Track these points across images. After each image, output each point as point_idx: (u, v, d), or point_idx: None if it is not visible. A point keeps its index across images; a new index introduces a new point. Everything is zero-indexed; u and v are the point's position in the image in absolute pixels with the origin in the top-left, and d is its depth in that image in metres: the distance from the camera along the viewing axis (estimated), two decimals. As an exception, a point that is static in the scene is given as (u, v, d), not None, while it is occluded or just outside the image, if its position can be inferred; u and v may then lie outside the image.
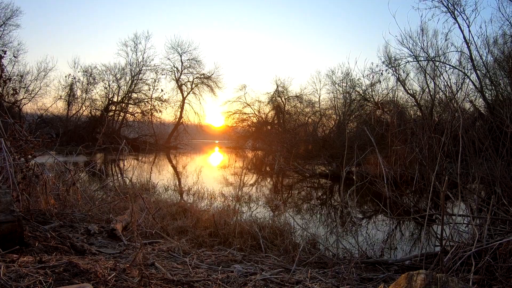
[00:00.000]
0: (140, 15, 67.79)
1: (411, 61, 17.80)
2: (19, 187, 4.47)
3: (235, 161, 25.77)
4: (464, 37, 14.85)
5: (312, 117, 29.96)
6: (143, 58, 34.40)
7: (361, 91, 22.45)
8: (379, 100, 20.95)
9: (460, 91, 16.42)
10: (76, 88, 32.59)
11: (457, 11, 14.69)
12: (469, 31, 15.13)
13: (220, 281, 2.95)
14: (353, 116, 23.30)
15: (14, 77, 27.16)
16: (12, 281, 2.24)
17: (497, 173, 4.96)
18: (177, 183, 13.08)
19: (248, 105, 36.79)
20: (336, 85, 26.58)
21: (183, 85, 36.34)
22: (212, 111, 66.40)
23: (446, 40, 16.22)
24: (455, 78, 16.51)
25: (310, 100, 32.71)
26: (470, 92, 16.38)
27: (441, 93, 16.48)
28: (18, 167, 4.83)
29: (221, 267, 3.50)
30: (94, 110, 33.03)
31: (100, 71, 33.27)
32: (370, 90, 21.60)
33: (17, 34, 48.44)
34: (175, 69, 35.86)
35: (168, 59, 36.08)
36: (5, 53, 6.23)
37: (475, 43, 14.81)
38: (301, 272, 3.55)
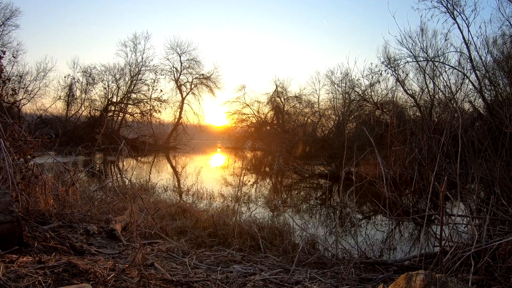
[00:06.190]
0: (139, 16, 67.94)
1: (410, 61, 17.82)
2: (18, 187, 4.47)
3: (235, 161, 25.77)
4: (464, 38, 14.87)
5: (311, 118, 30.00)
6: (142, 58, 34.41)
7: (360, 92, 22.45)
8: (379, 100, 20.94)
9: (459, 91, 16.46)
10: (75, 89, 32.57)
11: (457, 11, 14.71)
12: (469, 31, 15.19)
13: (219, 281, 2.95)
14: (352, 116, 23.31)
15: (14, 77, 27.12)
16: (12, 282, 2.24)
17: (496, 174, 4.97)
18: (176, 183, 13.08)
19: (248, 105, 36.79)
20: (336, 86, 26.65)
21: (182, 86, 36.33)
22: (211, 112, 66.52)
23: (445, 40, 16.25)
24: (455, 79, 16.55)
25: (309, 100, 32.76)
26: (470, 92, 16.44)
27: (440, 94, 16.52)
28: (17, 167, 4.82)
29: (220, 268, 3.50)
30: (93, 111, 33.01)
31: (99, 71, 33.26)
32: (370, 90, 21.60)
33: (16, 34, 48.63)
34: (174, 69, 35.86)
35: (167, 59, 36.09)
36: (4, 54, 6.21)
37: (474, 43, 14.82)
38: (300, 273, 3.55)
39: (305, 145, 21.64)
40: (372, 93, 21.73)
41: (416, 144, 6.61)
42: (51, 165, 6.69)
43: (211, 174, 18.15)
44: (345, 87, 24.92)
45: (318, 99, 31.50)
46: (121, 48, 37.94)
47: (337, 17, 77.59)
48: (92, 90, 33.26)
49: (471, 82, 15.48)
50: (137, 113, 34.61)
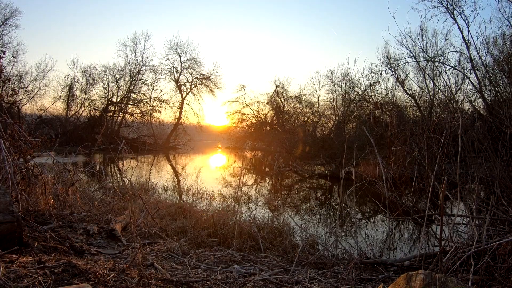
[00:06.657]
0: (139, 16, 67.96)
1: (410, 61, 17.77)
2: (18, 187, 4.47)
3: (235, 162, 25.77)
4: (463, 38, 14.84)
5: (311, 118, 29.95)
6: (142, 58, 34.39)
7: (360, 92, 22.42)
8: (378, 100, 20.91)
9: (459, 91, 16.44)
10: (75, 89, 32.54)
11: (457, 11, 14.67)
12: (468, 31, 15.13)
13: (219, 281, 2.95)
14: (352, 116, 23.28)
15: (13, 77, 27.09)
16: (11, 282, 2.24)
17: (496, 174, 4.97)
18: (176, 183, 13.08)
19: (247, 105, 36.78)
20: (335, 86, 26.57)
21: (182, 86, 36.31)
22: (211, 112, 66.55)
23: (445, 40, 16.18)
24: (454, 79, 16.52)
25: (309, 100, 32.76)
26: (469, 92, 16.41)
27: (440, 94, 16.50)
28: (17, 167, 4.82)
29: (220, 268, 3.50)
30: (93, 111, 32.99)
31: (99, 71, 33.23)
32: (369, 90, 21.59)
33: (16, 34, 48.59)
34: (174, 69, 35.84)
35: (167, 59, 36.05)
36: (4, 54, 6.21)
37: (474, 43, 14.78)
38: (300, 273, 3.55)
39: (305, 145, 21.61)
40: (372, 93, 21.71)
41: (416, 144, 6.62)
42: (51, 165, 6.68)
43: (211, 174, 18.15)
44: (345, 87, 24.85)
45: (318, 99, 31.50)
46: (121, 48, 37.98)
47: (337, 17, 77.63)
48: (92, 90, 33.26)
49: (471, 82, 15.47)
50: (137, 113, 34.62)
